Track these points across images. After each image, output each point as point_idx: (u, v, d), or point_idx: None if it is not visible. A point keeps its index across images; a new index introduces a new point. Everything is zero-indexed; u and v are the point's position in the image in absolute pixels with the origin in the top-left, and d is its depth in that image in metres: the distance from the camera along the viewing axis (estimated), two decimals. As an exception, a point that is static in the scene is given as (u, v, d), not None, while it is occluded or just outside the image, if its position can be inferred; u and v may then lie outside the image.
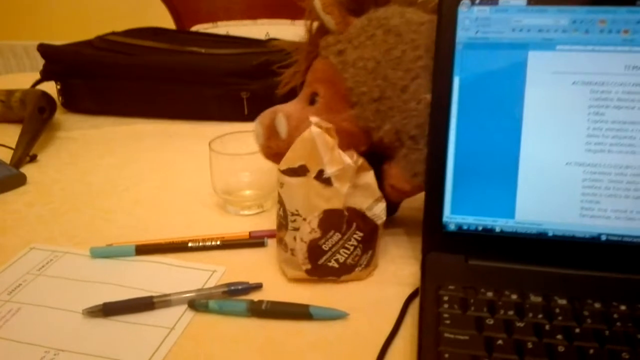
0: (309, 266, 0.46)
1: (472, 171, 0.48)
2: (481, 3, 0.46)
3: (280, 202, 0.47)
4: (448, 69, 0.47)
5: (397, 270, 0.50)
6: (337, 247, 0.45)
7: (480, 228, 0.48)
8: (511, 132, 0.47)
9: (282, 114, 0.54)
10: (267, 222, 0.59)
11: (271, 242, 0.54)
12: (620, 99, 0.45)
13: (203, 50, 0.99)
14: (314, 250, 0.45)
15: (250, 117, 0.90)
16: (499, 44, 0.46)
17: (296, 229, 0.45)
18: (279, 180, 0.46)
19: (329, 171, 0.44)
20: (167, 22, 1.29)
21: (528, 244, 0.47)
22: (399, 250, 0.53)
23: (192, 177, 0.70)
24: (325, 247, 0.45)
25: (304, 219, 0.45)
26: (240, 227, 0.58)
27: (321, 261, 0.46)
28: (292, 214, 0.45)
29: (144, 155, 0.79)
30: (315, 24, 0.55)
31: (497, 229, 0.48)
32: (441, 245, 0.48)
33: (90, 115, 0.94)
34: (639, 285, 0.44)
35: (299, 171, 0.45)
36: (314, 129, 0.44)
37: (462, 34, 0.47)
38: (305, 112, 0.53)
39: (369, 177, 0.47)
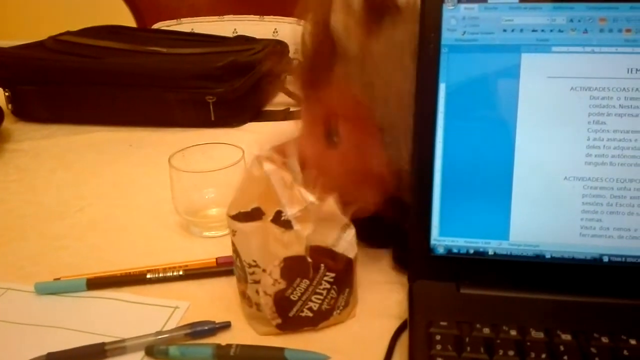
0: (279, 320, 0.40)
1: (461, 188, 0.43)
2: (468, 0, 0.41)
3: (235, 252, 0.41)
4: (433, 74, 0.42)
5: (382, 299, 0.45)
6: (307, 295, 0.39)
7: (471, 251, 0.43)
8: (504, 144, 0.42)
9: (294, 159, 0.42)
10: (236, 244, 0.53)
11: (240, 270, 0.48)
12: (623, 106, 0.40)
13: (165, 50, 0.93)
14: (282, 303, 0.40)
15: (217, 123, 0.85)
16: (488, 46, 0.41)
17: (257, 282, 0.39)
18: (230, 228, 0.40)
19: (290, 213, 0.38)
20: (127, 19, 1.21)
21: (524, 267, 0.42)
22: (383, 276, 0.48)
23: (154, 194, 0.64)
24: (293, 297, 0.39)
25: (264, 270, 0.39)
26: (205, 251, 0.52)
27: (292, 313, 0.40)
28: (250, 265, 0.39)
29: (102, 168, 0.72)
30: (323, 44, 0.45)
31: (490, 252, 0.43)
32: (429, 271, 0.43)
33: (43, 123, 0.87)
34: (647, 312, 0.40)
35: (253, 215, 0.39)
36: (266, 167, 0.38)
37: (448, 36, 0.42)
38: (327, 156, 0.44)
39: (331, 204, 0.40)
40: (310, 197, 0.38)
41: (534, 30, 0.41)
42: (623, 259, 0.42)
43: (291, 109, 0.89)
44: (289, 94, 0.92)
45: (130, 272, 0.48)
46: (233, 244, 0.41)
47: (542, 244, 0.42)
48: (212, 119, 0.82)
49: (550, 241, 0.42)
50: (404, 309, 0.43)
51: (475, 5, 0.41)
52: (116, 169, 0.72)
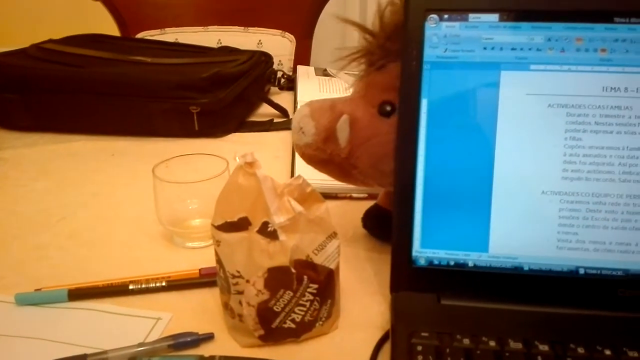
0: (262, 332, 0.40)
1: (442, 201, 0.44)
2: (450, 19, 0.43)
3: (219, 262, 0.41)
4: (415, 90, 0.43)
5: (364, 311, 0.45)
6: (290, 306, 0.40)
7: (452, 263, 0.44)
8: (483, 159, 0.43)
9: (347, 118, 0.47)
10: (220, 255, 0.53)
11: (224, 281, 0.49)
12: (598, 123, 0.42)
13: (149, 60, 0.93)
14: (265, 314, 0.40)
15: (200, 133, 0.85)
16: (469, 63, 0.43)
17: (240, 293, 0.40)
18: (215, 238, 0.40)
19: (277, 221, 0.38)
20: (110, 28, 1.21)
21: (503, 279, 0.43)
22: (364, 287, 0.48)
23: (136, 204, 0.64)
24: (277, 309, 0.40)
25: (247, 281, 0.39)
26: (188, 262, 0.52)
27: (275, 324, 0.40)
28: (234, 276, 0.39)
29: (84, 177, 0.71)
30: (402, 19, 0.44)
31: (470, 264, 0.44)
32: (411, 282, 0.44)
33: (25, 132, 0.86)
34: (620, 324, 0.41)
35: (239, 225, 0.39)
36: (260, 174, 0.38)
37: (430, 52, 0.43)
38: (378, 123, 0.47)
39: (322, 209, 0.41)
40: (299, 207, 0.38)
41: (513, 49, 0.42)
42: (598, 272, 0.43)
43: (275, 120, 0.90)
44: (273, 104, 0.93)
45: (112, 283, 0.48)
46: (217, 254, 0.41)
47: (520, 256, 0.43)
48: (196, 129, 0.82)
49: (528, 253, 0.43)
50: (386, 319, 0.44)
51: (456, 24, 0.43)
52: (98, 179, 0.71)
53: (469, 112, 0.43)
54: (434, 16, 0.43)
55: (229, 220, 0.40)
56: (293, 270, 0.39)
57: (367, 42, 0.47)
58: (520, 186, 0.43)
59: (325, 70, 1.02)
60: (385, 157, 0.46)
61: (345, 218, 0.58)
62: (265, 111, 0.95)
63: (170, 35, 1.18)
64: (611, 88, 0.42)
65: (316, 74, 1.00)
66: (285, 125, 0.88)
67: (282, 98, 0.98)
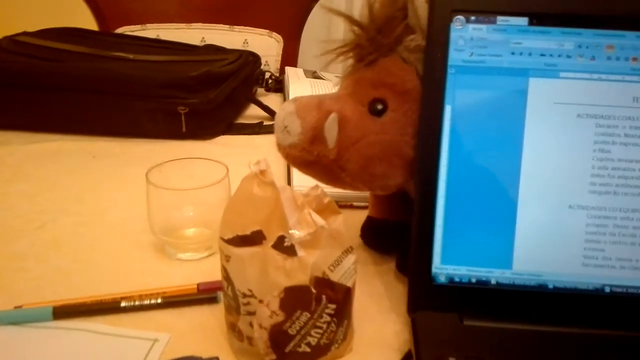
0: (273, 356, 0.37)
1: (465, 215, 0.41)
2: (477, 20, 0.40)
3: (227, 280, 0.38)
4: (438, 96, 0.41)
5: (378, 331, 0.42)
6: (307, 329, 0.36)
7: (473, 280, 0.41)
8: (509, 170, 0.41)
9: (335, 116, 0.43)
10: (218, 268, 0.49)
11: (225, 296, 0.45)
12: (628, 135, 0.40)
13: (131, 56, 0.88)
14: (278, 337, 0.36)
15: (188, 135, 0.81)
16: (496, 68, 0.40)
17: (251, 313, 0.36)
18: (223, 252, 0.37)
19: (297, 236, 0.35)
20: (88, 22, 1.15)
21: (527, 298, 0.41)
22: (376, 304, 0.45)
23: (122, 210, 0.60)
24: (292, 332, 0.36)
25: (260, 301, 0.36)
26: (183, 275, 0.48)
27: (289, 348, 0.37)
28: (245, 295, 0.36)
29: (63, 180, 0.67)
30: (396, 13, 0.43)
31: (493, 281, 0.41)
32: (431, 301, 0.41)
33: (-4, 130, 0.80)
34: (651, 345, 0.39)
35: (253, 239, 0.35)
36: (279, 184, 0.35)
37: (455, 56, 0.40)
38: (368, 122, 0.43)
39: (339, 222, 0.38)
40: (321, 221, 0.35)
41: (542, 55, 0.40)
42: (624, 290, 0.41)
43: (264, 123, 0.86)
44: (262, 106, 0.89)
45: (102, 300, 0.44)
46: (225, 271, 0.38)
47: (545, 273, 0.41)
48: (183, 130, 0.78)
49: (553, 270, 0.41)
50: (402, 340, 0.41)
51: (484, 26, 0.40)
52: (79, 182, 0.66)
53: (495, 121, 0.41)
54: (461, 17, 0.40)
55: (240, 233, 0.36)
56: (313, 290, 0.35)
57: (356, 35, 0.44)
58: (547, 199, 0.40)
59: (315, 72, 0.99)
60: (377, 159, 0.44)
61: (347, 229, 0.55)
62: (252, 113, 0.91)
63: (151, 31, 1.13)
64: (642, 99, 0.40)
65: (306, 76, 0.96)
66: (276, 128, 0.84)
67: (270, 100, 0.95)
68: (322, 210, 0.38)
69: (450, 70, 0.40)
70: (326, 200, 0.38)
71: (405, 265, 0.48)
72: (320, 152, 0.44)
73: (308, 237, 0.35)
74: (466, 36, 0.40)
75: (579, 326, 0.40)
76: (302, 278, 0.35)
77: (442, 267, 0.41)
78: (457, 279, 0.41)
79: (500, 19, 0.40)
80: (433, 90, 0.41)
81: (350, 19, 0.45)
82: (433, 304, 0.41)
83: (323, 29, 1.19)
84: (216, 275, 0.47)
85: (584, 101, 0.40)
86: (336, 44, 0.45)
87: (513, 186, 0.41)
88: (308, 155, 0.44)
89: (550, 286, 0.41)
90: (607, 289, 0.41)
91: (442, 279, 0.42)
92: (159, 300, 0.44)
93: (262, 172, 0.36)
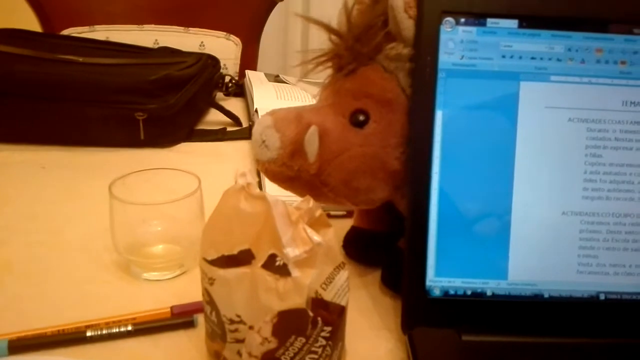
0: None
1: (458, 224, 0.39)
2: (467, 23, 0.39)
3: (211, 304, 0.34)
4: (429, 101, 0.39)
5: (372, 350, 0.40)
6: (302, 355, 0.33)
7: (469, 292, 0.40)
8: (502, 177, 0.39)
9: (316, 129, 0.40)
10: (192, 288, 0.45)
11: (202, 319, 0.41)
12: (618, 139, 0.40)
13: (80, 59, 0.82)
14: None
15: (146, 143, 0.76)
16: (487, 72, 0.39)
17: (239, 341, 0.33)
18: (207, 275, 0.34)
19: (292, 254, 0.32)
20: (30, 24, 1.07)
21: (523, 308, 0.40)
22: (366, 321, 0.43)
23: (79, 226, 0.55)
24: (285, 359, 0.33)
25: (250, 327, 0.32)
26: (155, 298, 0.44)
27: None
28: (232, 321, 0.33)
29: (10, 195, 0.61)
30: (375, 20, 0.41)
31: (489, 293, 0.40)
32: (426, 316, 0.39)
33: None
34: (646, 351, 0.39)
35: (240, 259, 0.32)
36: (270, 198, 0.32)
37: (445, 59, 0.39)
38: (350, 135, 0.41)
39: (330, 236, 0.35)
40: (317, 237, 0.32)
41: (532, 58, 0.39)
42: (619, 296, 0.40)
43: (228, 129, 0.83)
44: (224, 111, 0.85)
45: (64, 329, 0.39)
46: (207, 294, 0.34)
47: (540, 282, 0.40)
48: (142, 137, 0.73)
49: (548, 279, 0.40)
50: (397, 358, 0.39)
51: (474, 28, 0.39)
52: (29, 196, 0.61)
53: (486, 127, 0.39)
54: (450, 19, 0.39)
55: (226, 253, 0.33)
56: (310, 314, 0.32)
57: (334, 44, 0.42)
58: (541, 206, 0.39)
59: (278, 76, 0.96)
60: (360, 172, 0.42)
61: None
62: (213, 118, 0.87)
63: (100, 33, 1.06)
64: (631, 102, 0.39)
65: (268, 80, 0.93)
66: (240, 135, 0.81)
67: (231, 104, 0.91)
68: (313, 224, 0.35)
69: (440, 74, 0.39)
70: (317, 213, 0.35)
71: (391, 279, 0.46)
72: (300, 166, 0.41)
73: (304, 255, 0.32)
74: (456, 39, 0.39)
75: (577, 336, 0.39)
76: (297, 300, 0.32)
77: (437, 280, 0.40)
78: (452, 292, 0.40)
79: (490, 21, 0.39)
80: (423, 95, 0.39)
81: (327, 28, 0.42)
82: (429, 319, 0.39)
83: (282, 32, 1.17)
84: (190, 297, 0.43)
85: (574, 105, 0.39)
86: (314, 54, 0.43)
87: (506, 194, 0.39)
88: (288, 171, 0.42)
89: (546, 295, 0.40)
90: (602, 296, 0.40)
91: (436, 292, 0.40)
92: (129, 328, 0.40)
93: (249, 185, 0.33)
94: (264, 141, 0.42)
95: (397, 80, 0.41)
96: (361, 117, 0.41)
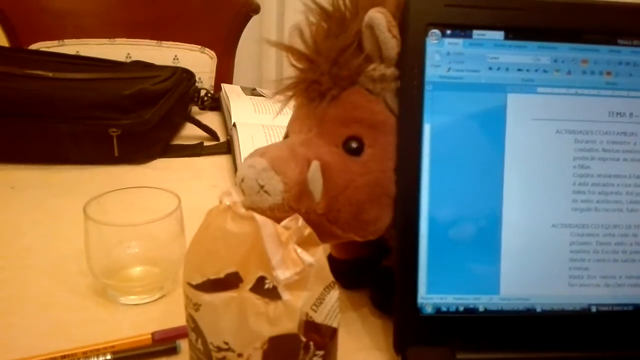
0: None
1: (448, 240, 0.39)
2: (453, 35, 0.38)
3: (196, 331, 0.32)
4: (417, 114, 0.38)
5: (363, 371, 0.39)
6: None
7: (461, 309, 0.39)
8: (491, 191, 0.39)
9: (318, 165, 0.37)
10: (173, 312, 0.44)
11: (185, 345, 0.39)
12: (605, 150, 0.39)
13: (50, 75, 0.79)
14: None
15: (120, 159, 0.74)
16: (474, 84, 0.38)
17: None
18: (191, 300, 0.32)
19: (282, 277, 0.30)
20: (-4, 38, 1.04)
21: (516, 323, 0.39)
22: (355, 342, 0.42)
23: (51, 249, 0.52)
24: None
25: (239, 355, 0.31)
26: (134, 324, 0.42)
27: None
28: (219, 349, 0.31)
29: (-24, 217, 0.58)
30: (350, 38, 0.39)
31: (481, 308, 0.39)
32: (419, 335, 0.38)
33: None
34: (640, 364, 0.38)
35: (227, 283, 0.31)
36: (259, 217, 0.30)
37: (432, 72, 0.38)
38: (351, 164, 0.39)
39: (319, 254, 0.33)
40: (309, 258, 0.31)
41: (519, 70, 0.39)
42: (610, 308, 0.40)
43: (205, 143, 0.81)
44: (201, 126, 0.83)
45: (38, 361, 0.37)
46: (193, 321, 0.33)
47: (532, 296, 0.39)
48: (116, 154, 0.71)
49: (540, 293, 0.39)
50: (389, 380, 0.38)
51: (460, 40, 0.38)
52: (-4, 218, 0.58)
53: (474, 140, 0.39)
54: (436, 31, 0.38)
55: (212, 277, 0.31)
56: (303, 339, 0.31)
57: (310, 70, 0.40)
58: (531, 220, 0.39)
59: (255, 89, 0.95)
60: (367, 203, 0.39)
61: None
62: (189, 133, 0.86)
63: (70, 47, 1.04)
64: (617, 113, 0.39)
65: (245, 93, 0.92)
66: (218, 149, 0.79)
67: (207, 118, 0.89)
68: (302, 243, 0.33)
69: (427, 87, 0.38)
70: (307, 232, 0.34)
71: (381, 300, 0.44)
72: (307, 208, 0.38)
73: (295, 277, 0.30)
74: (442, 51, 0.38)
75: (570, 349, 0.39)
76: (288, 325, 0.31)
77: (428, 297, 0.39)
78: (444, 309, 0.39)
79: (477, 32, 0.38)
80: (410, 109, 0.38)
81: (299, 54, 0.40)
82: (421, 338, 0.38)
83: (257, 45, 1.16)
84: (172, 321, 0.42)
85: (562, 117, 0.39)
86: (289, 82, 0.41)
87: (496, 207, 0.39)
88: (291, 214, 0.36)
89: (538, 309, 0.39)
90: (594, 309, 0.40)
91: (428, 310, 0.39)
92: (108, 357, 0.38)
93: (235, 204, 0.32)
94: (262, 186, 0.37)
95: (385, 101, 0.39)
96: (354, 145, 0.39)
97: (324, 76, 0.39)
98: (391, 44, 0.38)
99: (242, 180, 0.38)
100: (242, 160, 0.40)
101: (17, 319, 0.43)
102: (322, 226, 0.38)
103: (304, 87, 0.40)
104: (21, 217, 0.58)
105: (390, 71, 0.39)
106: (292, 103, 0.43)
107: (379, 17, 0.37)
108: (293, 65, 0.41)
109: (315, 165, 0.38)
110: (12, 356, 0.38)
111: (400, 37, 0.38)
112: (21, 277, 0.48)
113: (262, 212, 0.37)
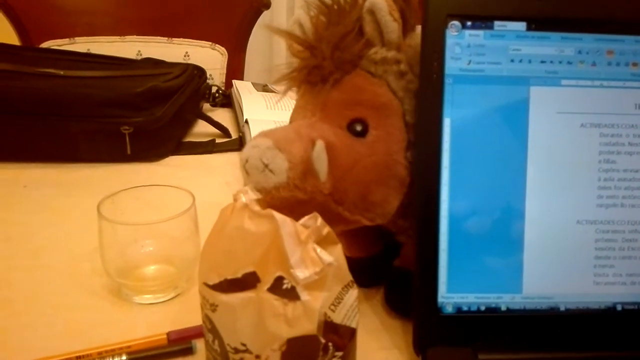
0: None
1: (469, 237, 0.37)
2: (473, 26, 0.37)
3: (213, 332, 0.32)
4: (436, 108, 0.37)
5: (383, 371, 0.38)
6: None
7: (482, 308, 0.38)
8: (514, 186, 0.38)
9: (322, 144, 0.37)
10: (188, 311, 0.43)
11: (201, 345, 0.39)
12: (632, 144, 0.38)
13: (62, 73, 0.79)
14: None
15: (133, 157, 0.73)
16: (496, 77, 0.37)
17: None
18: (208, 301, 0.31)
19: (301, 276, 0.29)
20: (8, 37, 1.04)
21: (540, 322, 0.38)
22: (374, 340, 0.41)
23: (64, 248, 0.52)
24: None
25: (257, 357, 0.30)
26: (149, 323, 0.42)
27: None
28: (237, 350, 0.30)
29: (-11, 216, 0.58)
30: (351, 24, 0.39)
31: (503, 308, 0.38)
32: (440, 335, 0.37)
33: None
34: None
35: (244, 283, 0.30)
36: (278, 215, 0.30)
37: (452, 64, 0.37)
38: (357, 145, 0.38)
39: (337, 253, 0.33)
40: (328, 257, 0.30)
41: (542, 62, 0.37)
42: (636, 307, 0.39)
43: (217, 140, 0.80)
44: (213, 123, 0.83)
45: (52, 362, 0.37)
46: (209, 321, 0.32)
47: (556, 295, 0.38)
48: (128, 152, 0.71)
49: (564, 291, 0.38)
50: (410, 381, 0.37)
51: (481, 32, 0.37)
52: (10, 218, 0.57)
53: (496, 135, 0.37)
54: (456, 23, 0.37)
55: (229, 277, 0.30)
56: (322, 340, 0.30)
57: (312, 55, 0.39)
58: (554, 216, 0.38)
59: (266, 85, 0.94)
60: (374, 184, 0.39)
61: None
62: (201, 130, 0.85)
63: (81, 45, 1.03)
64: (644, 105, 0.38)
65: (256, 90, 0.91)
66: (230, 146, 0.79)
67: (218, 115, 0.89)
68: (321, 241, 0.33)
69: (447, 80, 0.37)
70: (325, 230, 0.33)
71: (396, 301, 0.43)
72: (313, 187, 0.37)
73: (315, 276, 0.30)
74: (463, 43, 0.37)
75: (594, 349, 0.38)
76: (307, 326, 0.30)
77: (449, 296, 0.38)
78: (465, 308, 0.38)
79: (498, 24, 0.37)
80: (430, 103, 0.37)
81: (299, 40, 0.40)
82: (442, 338, 0.37)
83: (268, 41, 1.15)
84: (187, 321, 0.41)
85: (587, 110, 0.38)
86: (291, 68, 0.40)
87: (519, 204, 0.38)
88: (301, 194, 0.37)
89: (562, 308, 0.38)
90: (619, 307, 0.39)
91: (449, 309, 0.38)
92: (124, 358, 0.37)
93: (253, 203, 0.31)
94: (266, 165, 0.36)
95: (387, 84, 0.39)
96: (359, 127, 0.39)
97: (325, 60, 0.39)
98: (392, 27, 0.38)
99: (247, 161, 0.37)
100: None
101: (31, 319, 0.43)
102: (329, 208, 0.38)
103: (306, 72, 0.40)
104: (33, 216, 0.58)
105: (392, 54, 0.38)
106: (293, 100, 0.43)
107: (380, 2, 0.37)
108: (295, 55, 0.41)
109: (320, 144, 0.37)
110: (26, 357, 0.37)
111: (421, 29, 0.37)
112: (34, 277, 0.48)
113: (267, 192, 0.36)
